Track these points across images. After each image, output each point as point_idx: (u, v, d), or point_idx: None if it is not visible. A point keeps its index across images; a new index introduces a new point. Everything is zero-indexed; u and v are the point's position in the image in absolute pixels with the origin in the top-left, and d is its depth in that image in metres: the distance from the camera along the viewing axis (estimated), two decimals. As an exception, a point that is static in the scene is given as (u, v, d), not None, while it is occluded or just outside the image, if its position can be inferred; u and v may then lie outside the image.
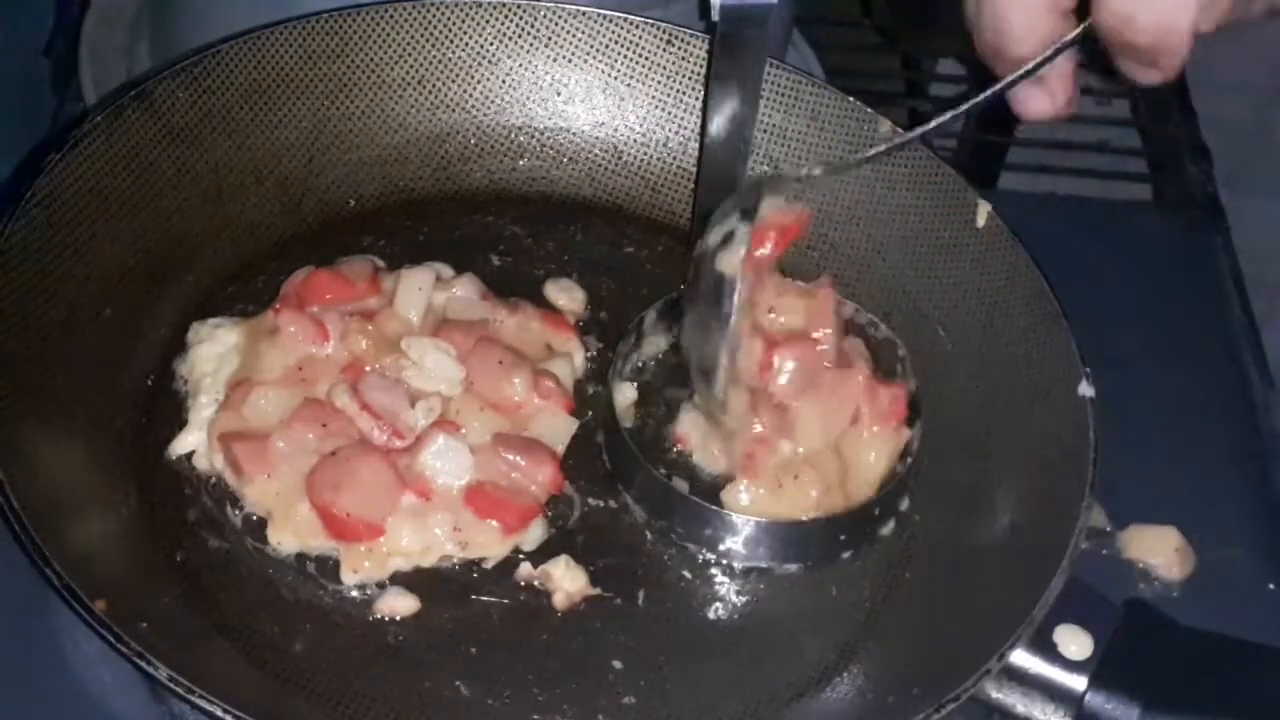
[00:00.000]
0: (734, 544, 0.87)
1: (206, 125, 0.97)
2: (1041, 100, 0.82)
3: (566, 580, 0.85)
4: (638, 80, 1.05)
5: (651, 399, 0.94)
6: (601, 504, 0.90)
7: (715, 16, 0.85)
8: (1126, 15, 0.75)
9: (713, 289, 0.87)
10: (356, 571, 0.84)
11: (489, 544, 0.86)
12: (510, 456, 0.87)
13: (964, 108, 0.83)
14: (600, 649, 0.83)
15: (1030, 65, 0.80)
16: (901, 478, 0.89)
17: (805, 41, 1.26)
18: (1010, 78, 0.80)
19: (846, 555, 0.88)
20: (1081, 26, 0.78)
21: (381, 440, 0.86)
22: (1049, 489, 0.85)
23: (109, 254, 0.91)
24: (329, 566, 0.84)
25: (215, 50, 0.97)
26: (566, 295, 0.99)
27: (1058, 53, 0.79)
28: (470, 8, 1.03)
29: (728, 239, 0.87)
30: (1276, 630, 0.89)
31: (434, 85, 1.04)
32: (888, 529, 0.89)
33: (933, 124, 0.84)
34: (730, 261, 0.86)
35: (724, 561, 0.88)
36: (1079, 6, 0.78)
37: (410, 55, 1.02)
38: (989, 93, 0.82)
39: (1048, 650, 0.80)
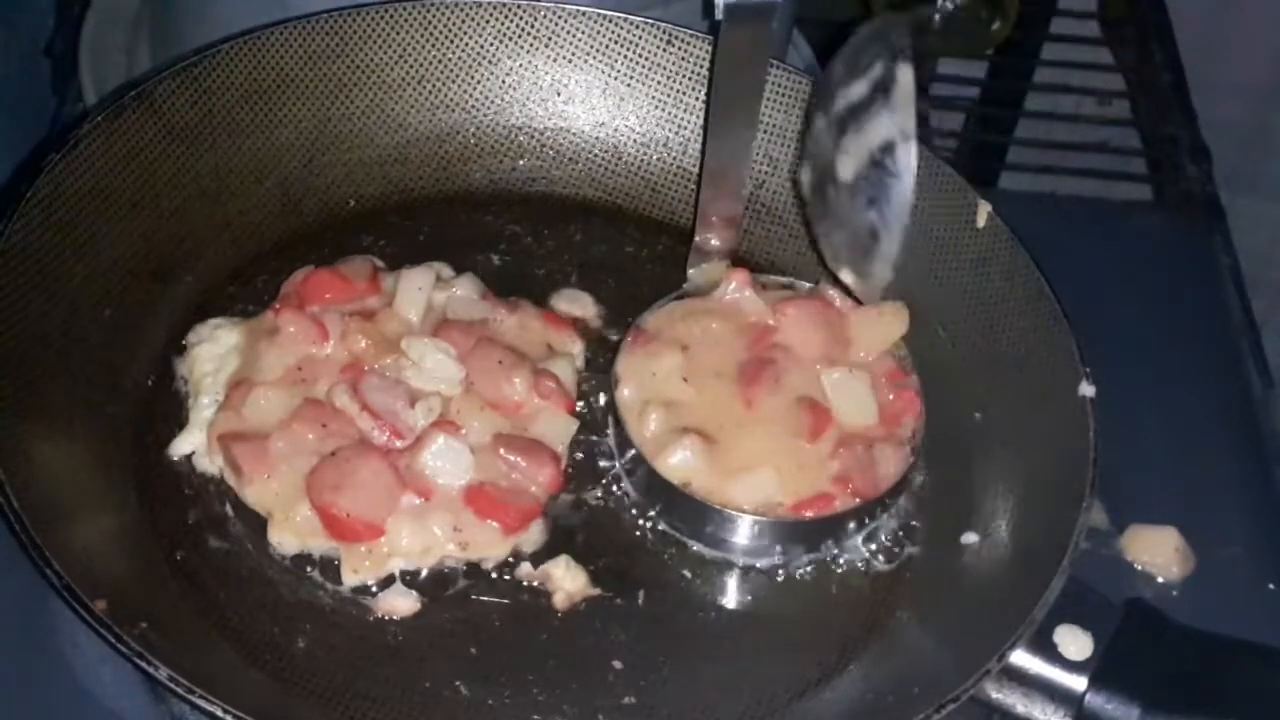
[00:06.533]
0: (736, 541, 0.87)
1: (206, 125, 0.97)
2: None
3: (566, 580, 0.85)
4: (638, 80, 1.05)
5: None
6: (601, 504, 0.90)
7: (719, 15, 0.85)
8: None
9: (869, 158, 0.85)
10: (356, 571, 0.84)
11: (489, 544, 0.86)
12: (511, 457, 0.87)
13: None
14: (600, 649, 0.83)
15: None
16: (901, 476, 0.89)
17: (805, 41, 1.27)
18: None
19: (848, 550, 0.88)
20: None
21: (381, 440, 0.86)
22: (1049, 489, 0.85)
23: (109, 254, 0.91)
24: (329, 566, 0.84)
25: (215, 50, 0.97)
26: (578, 305, 0.98)
27: None
28: (470, 8, 1.03)
29: (881, 89, 0.84)
30: (1276, 630, 0.89)
31: (434, 85, 1.04)
32: (887, 527, 0.89)
33: None
34: (890, 122, 0.84)
35: (724, 561, 0.88)
36: None
37: (410, 55, 1.02)
38: None
39: (1048, 650, 0.80)
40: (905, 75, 0.85)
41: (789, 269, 1.00)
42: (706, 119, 0.93)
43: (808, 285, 0.96)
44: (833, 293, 0.95)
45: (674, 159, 1.05)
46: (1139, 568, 0.95)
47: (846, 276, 0.93)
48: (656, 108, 1.05)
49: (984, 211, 0.96)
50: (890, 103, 0.86)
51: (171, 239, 0.95)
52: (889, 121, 0.86)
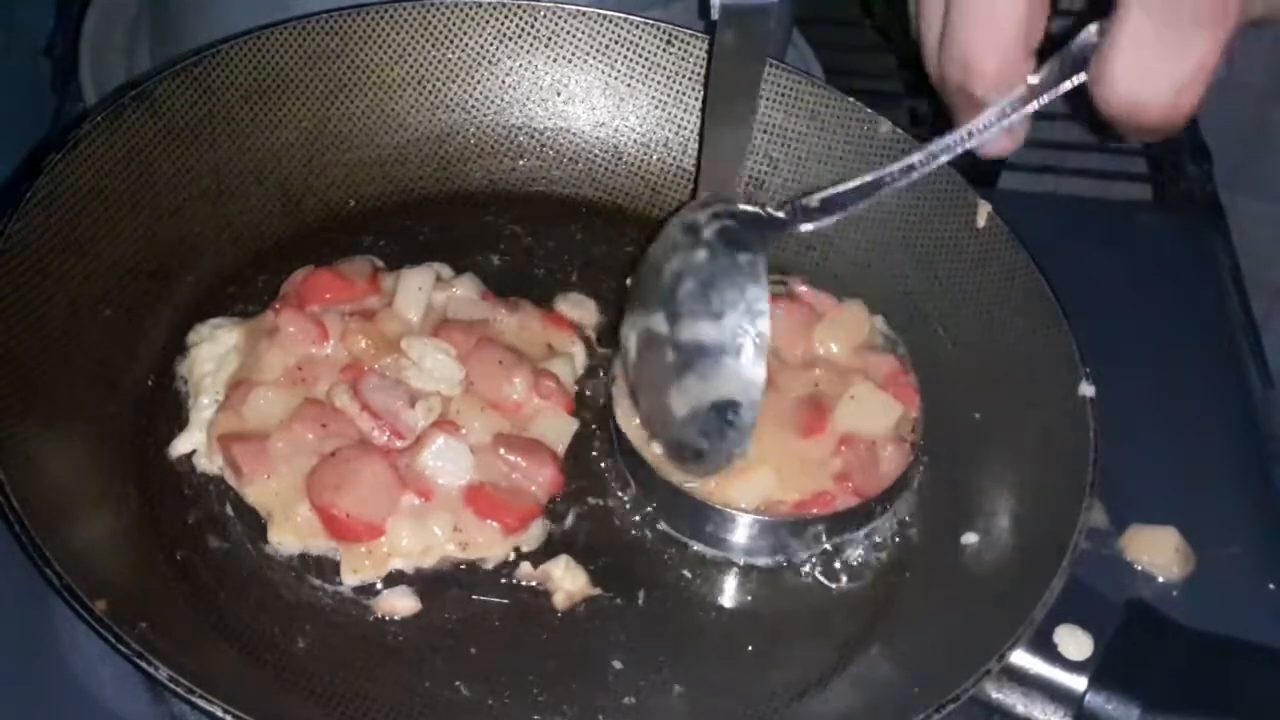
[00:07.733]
0: (736, 540, 0.87)
1: (206, 125, 0.97)
2: (1004, 140, 0.80)
3: (566, 580, 0.85)
4: (638, 80, 1.05)
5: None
6: (601, 504, 0.90)
7: (715, 16, 0.85)
8: (1134, 102, 0.72)
9: (709, 405, 0.82)
10: (356, 571, 0.84)
11: (489, 544, 0.86)
12: (511, 457, 0.87)
13: (940, 155, 0.81)
14: (600, 649, 0.83)
15: (1013, 114, 0.77)
16: (901, 476, 0.89)
17: (805, 41, 1.27)
18: (991, 126, 0.78)
19: (847, 550, 0.88)
20: (1072, 82, 0.76)
21: (381, 440, 0.86)
22: (1049, 489, 0.85)
23: (109, 254, 0.91)
24: (329, 566, 0.84)
25: (215, 50, 0.97)
26: (581, 310, 0.98)
27: (1041, 102, 0.77)
28: (470, 8, 1.03)
29: (734, 343, 0.81)
30: (1276, 630, 0.89)
31: (434, 85, 1.04)
32: (888, 527, 0.89)
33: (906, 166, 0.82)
34: (737, 382, 0.81)
35: (725, 560, 0.88)
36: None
37: (410, 55, 1.02)
38: (971, 141, 0.79)
39: (1048, 650, 0.80)
40: (763, 328, 0.80)
41: (789, 269, 1.00)
42: (702, 119, 0.93)
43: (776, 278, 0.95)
44: (803, 289, 0.95)
45: (674, 159, 1.05)
46: (1139, 568, 0.95)
47: (656, 449, 0.88)
48: (656, 108, 1.05)
49: (984, 211, 0.96)
50: (741, 361, 0.80)
51: (171, 239, 0.95)
52: (737, 381, 0.80)
